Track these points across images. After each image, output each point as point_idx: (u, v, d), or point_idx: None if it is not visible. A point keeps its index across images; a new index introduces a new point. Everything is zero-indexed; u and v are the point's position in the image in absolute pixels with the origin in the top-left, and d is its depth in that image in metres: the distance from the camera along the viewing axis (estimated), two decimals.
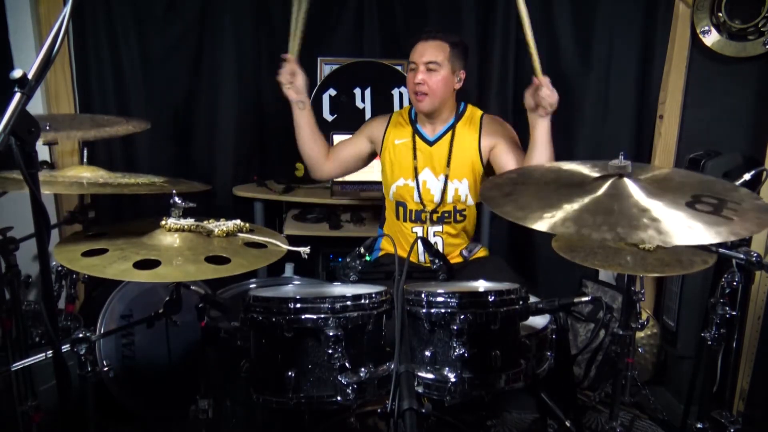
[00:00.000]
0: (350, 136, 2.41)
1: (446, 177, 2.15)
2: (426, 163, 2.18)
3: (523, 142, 2.98)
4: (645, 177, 1.34)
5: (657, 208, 1.19)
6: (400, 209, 2.22)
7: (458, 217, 2.20)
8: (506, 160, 2.13)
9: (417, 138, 2.19)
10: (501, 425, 2.24)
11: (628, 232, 1.10)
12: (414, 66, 2.09)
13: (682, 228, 1.12)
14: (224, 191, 3.01)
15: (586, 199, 1.23)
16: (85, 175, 1.54)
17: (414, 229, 2.20)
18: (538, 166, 1.74)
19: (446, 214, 2.18)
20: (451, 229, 2.20)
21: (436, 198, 2.17)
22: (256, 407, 1.80)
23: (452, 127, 2.18)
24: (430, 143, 2.18)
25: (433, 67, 2.06)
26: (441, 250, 2.18)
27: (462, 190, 2.17)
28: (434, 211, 2.18)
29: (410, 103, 2.24)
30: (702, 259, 1.70)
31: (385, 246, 2.26)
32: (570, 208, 1.19)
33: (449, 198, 2.17)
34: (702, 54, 2.59)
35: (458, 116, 2.19)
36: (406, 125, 2.23)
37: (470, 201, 2.20)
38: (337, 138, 2.90)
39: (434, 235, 2.20)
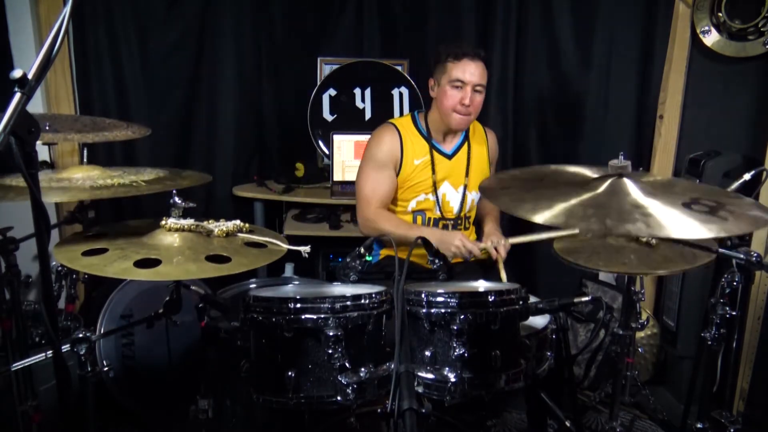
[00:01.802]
0: (373, 172, 2.14)
1: (465, 188, 2.19)
2: (445, 177, 2.17)
3: (520, 148, 3.00)
4: (645, 180, 1.34)
5: (652, 205, 1.19)
6: (419, 218, 2.21)
7: (467, 224, 2.27)
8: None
9: (435, 153, 2.16)
10: (501, 425, 2.24)
11: (616, 224, 1.10)
12: (460, 85, 2.02)
13: (672, 222, 1.12)
14: (224, 191, 3.01)
15: (584, 197, 1.23)
16: (77, 176, 1.53)
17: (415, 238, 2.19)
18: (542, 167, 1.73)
19: (458, 221, 2.22)
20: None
21: (456, 209, 2.20)
22: (256, 407, 1.80)
23: (466, 139, 2.21)
24: (449, 157, 2.18)
25: (479, 89, 2.05)
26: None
27: (476, 200, 2.24)
28: (455, 222, 2.20)
29: (413, 113, 2.23)
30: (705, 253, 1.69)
31: (385, 251, 2.25)
32: (564, 204, 1.19)
33: (467, 208, 2.22)
34: (702, 54, 2.59)
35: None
36: (421, 141, 2.16)
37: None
38: (338, 138, 2.90)
39: None
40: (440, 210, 2.18)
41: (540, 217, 1.15)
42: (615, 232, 1.12)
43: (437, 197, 2.16)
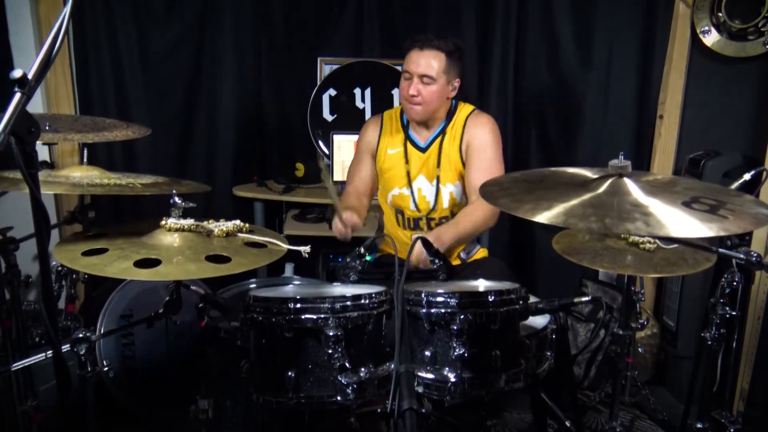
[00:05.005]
0: (353, 162, 2.30)
1: (438, 181, 2.14)
2: (420, 171, 2.15)
3: (519, 145, 3.00)
4: (646, 179, 1.34)
5: (652, 204, 1.19)
6: (399, 216, 2.21)
7: None
8: (469, 165, 2.10)
9: (409, 146, 2.15)
10: (501, 425, 2.24)
11: (615, 223, 1.10)
12: (408, 75, 2.02)
13: (671, 221, 1.12)
14: (224, 191, 3.01)
15: (584, 197, 1.23)
16: (75, 174, 1.53)
17: (413, 237, 2.17)
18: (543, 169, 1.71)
19: (444, 220, 2.16)
20: None
21: (432, 204, 2.16)
22: (256, 407, 1.79)
23: (443, 131, 2.14)
24: (423, 150, 2.14)
25: (427, 80, 2.00)
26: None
27: (456, 193, 2.14)
28: (430, 217, 2.17)
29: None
30: (705, 257, 1.69)
31: (384, 247, 2.25)
32: (564, 204, 1.19)
33: (445, 203, 2.14)
34: (702, 54, 2.59)
35: (449, 119, 2.14)
36: (399, 132, 2.18)
37: (466, 202, 2.17)
38: (338, 138, 2.90)
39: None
40: (416, 205, 2.15)
41: (540, 218, 1.15)
42: (614, 231, 1.12)
43: (412, 191, 2.15)
